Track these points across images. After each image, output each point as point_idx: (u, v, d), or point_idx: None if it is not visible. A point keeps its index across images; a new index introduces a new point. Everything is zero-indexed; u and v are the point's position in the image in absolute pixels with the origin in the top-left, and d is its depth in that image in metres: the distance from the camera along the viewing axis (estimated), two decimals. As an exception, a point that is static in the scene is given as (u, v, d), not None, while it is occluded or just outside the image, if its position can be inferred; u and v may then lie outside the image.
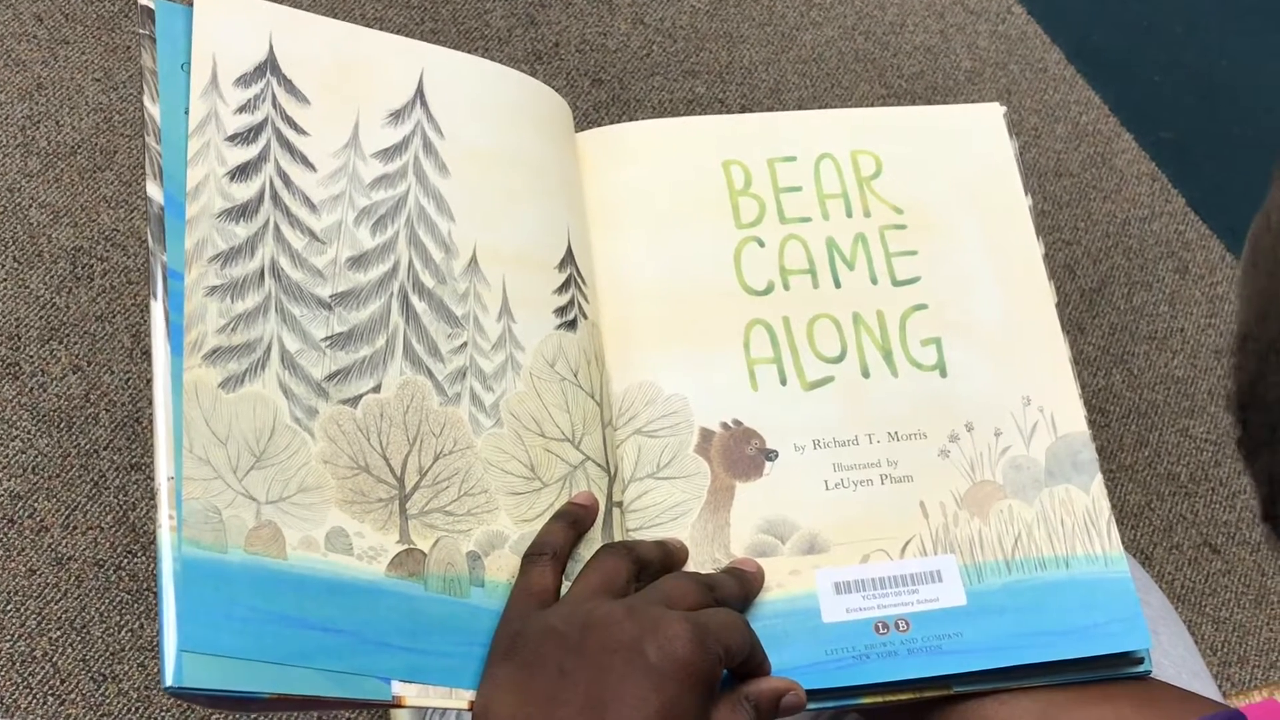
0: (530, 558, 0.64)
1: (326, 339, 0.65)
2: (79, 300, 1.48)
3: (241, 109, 0.67)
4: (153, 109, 0.65)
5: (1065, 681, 0.66)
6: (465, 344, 0.67)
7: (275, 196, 0.66)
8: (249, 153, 0.66)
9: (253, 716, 0.85)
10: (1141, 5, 2.09)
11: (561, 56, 1.81)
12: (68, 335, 1.46)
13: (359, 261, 0.67)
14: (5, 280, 1.48)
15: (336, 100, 0.69)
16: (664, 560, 0.66)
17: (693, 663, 0.57)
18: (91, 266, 1.50)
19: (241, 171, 0.66)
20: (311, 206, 0.67)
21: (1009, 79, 1.95)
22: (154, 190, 0.63)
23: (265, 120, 0.67)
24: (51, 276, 1.49)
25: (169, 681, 0.56)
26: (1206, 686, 0.81)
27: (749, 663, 0.61)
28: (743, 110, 1.82)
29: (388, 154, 0.69)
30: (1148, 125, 1.95)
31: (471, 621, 0.63)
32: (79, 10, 1.67)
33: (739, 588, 0.65)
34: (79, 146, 1.58)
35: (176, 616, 0.57)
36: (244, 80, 0.67)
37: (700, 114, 1.78)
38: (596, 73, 1.81)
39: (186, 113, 0.66)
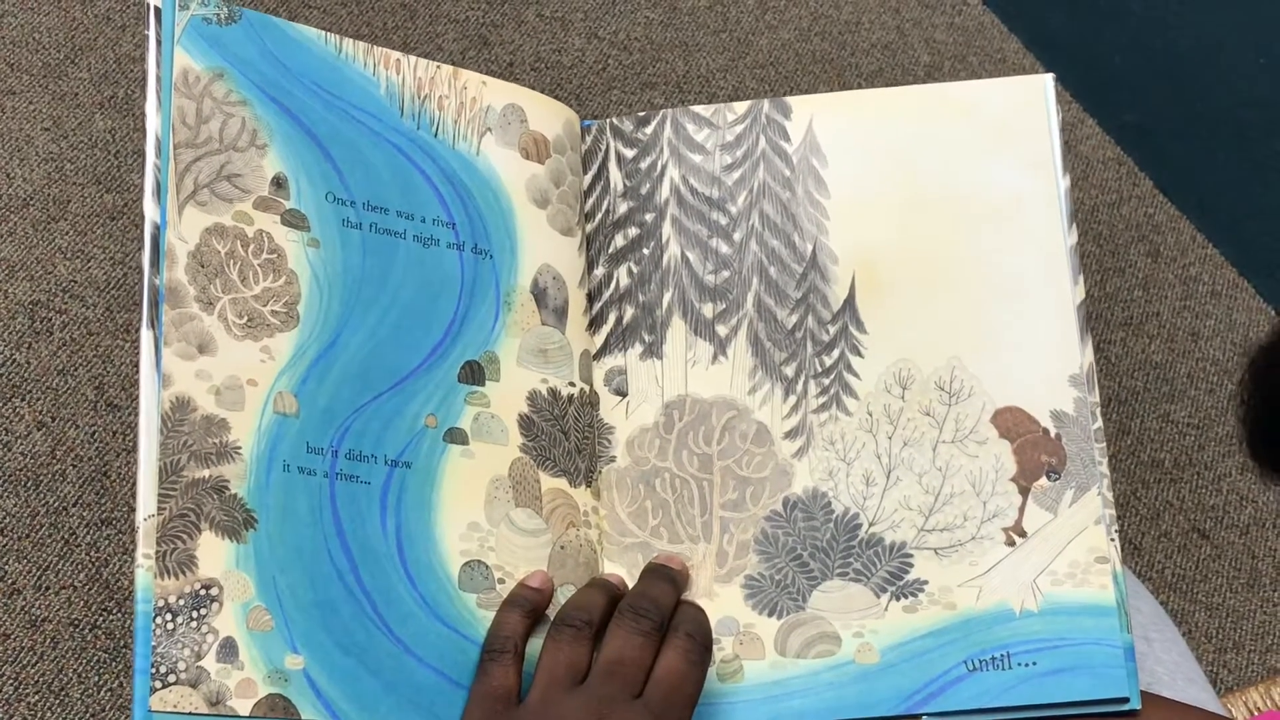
0: (492, 654, 0.61)
1: None
2: (39, 355, 1.46)
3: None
4: (154, 119, 0.61)
5: (1043, 716, 0.64)
6: None
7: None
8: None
9: None
10: (1097, -12, 2.08)
11: (517, 76, 1.79)
12: (30, 391, 1.43)
13: None
14: (-37, 339, 1.46)
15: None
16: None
17: None
18: (50, 320, 1.48)
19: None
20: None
21: (969, 71, 1.94)
22: (151, 209, 0.60)
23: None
24: (10, 332, 1.46)
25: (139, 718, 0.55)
26: (1201, 693, 0.79)
27: None
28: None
29: None
30: (1110, 109, 1.94)
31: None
32: (23, 59, 1.64)
33: (673, 590, 0.63)
34: (31, 198, 1.55)
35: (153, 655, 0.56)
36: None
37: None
38: (554, 90, 1.79)
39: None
